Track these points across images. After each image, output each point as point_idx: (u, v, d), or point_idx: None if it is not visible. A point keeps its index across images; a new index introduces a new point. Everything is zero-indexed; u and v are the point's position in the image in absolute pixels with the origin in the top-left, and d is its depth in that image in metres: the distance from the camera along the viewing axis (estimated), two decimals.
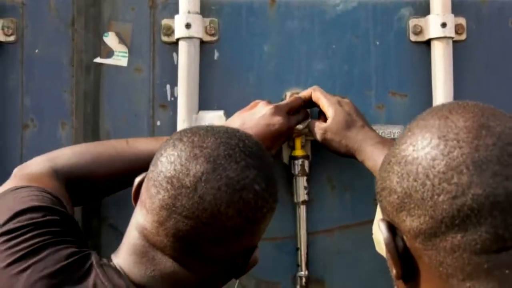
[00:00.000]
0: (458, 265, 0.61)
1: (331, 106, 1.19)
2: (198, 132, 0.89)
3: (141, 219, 0.88)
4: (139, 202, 0.91)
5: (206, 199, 0.83)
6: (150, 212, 0.86)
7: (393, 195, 0.65)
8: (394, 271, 0.66)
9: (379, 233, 1.10)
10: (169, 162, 0.85)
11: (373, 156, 1.14)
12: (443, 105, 0.68)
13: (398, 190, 0.65)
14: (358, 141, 1.17)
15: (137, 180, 0.94)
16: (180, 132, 0.92)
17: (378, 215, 1.11)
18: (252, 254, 0.91)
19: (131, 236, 0.90)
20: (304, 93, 1.24)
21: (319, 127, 1.21)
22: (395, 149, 0.68)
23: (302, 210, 1.26)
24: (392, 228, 0.67)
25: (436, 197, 0.61)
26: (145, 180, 0.91)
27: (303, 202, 1.26)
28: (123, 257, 0.90)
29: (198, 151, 0.85)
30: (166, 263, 0.87)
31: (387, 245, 0.66)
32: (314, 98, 1.23)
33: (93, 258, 0.91)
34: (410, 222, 0.64)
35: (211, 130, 0.90)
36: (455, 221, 0.60)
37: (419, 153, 0.63)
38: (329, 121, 1.19)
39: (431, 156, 0.62)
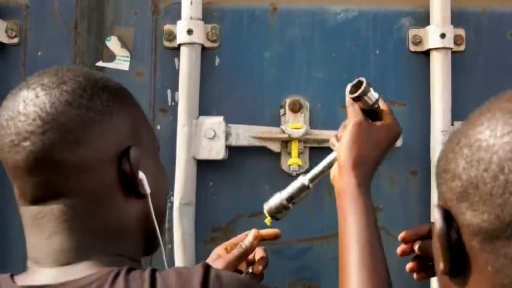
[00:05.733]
0: None
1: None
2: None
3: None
4: None
5: (29, 110, 0.73)
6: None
7: (456, 181, 0.56)
8: (441, 266, 0.57)
9: None
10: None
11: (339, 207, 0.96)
12: None
13: (463, 177, 0.55)
14: (337, 189, 0.98)
15: None
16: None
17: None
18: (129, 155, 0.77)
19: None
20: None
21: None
22: (467, 128, 0.57)
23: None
24: (448, 218, 0.57)
25: (507, 195, 0.52)
26: None
27: None
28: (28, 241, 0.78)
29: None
30: (48, 212, 0.75)
31: (439, 236, 0.57)
32: None
33: None
34: (470, 217, 0.55)
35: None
36: None
37: (497, 140, 0.54)
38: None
39: (510, 147, 0.53)
